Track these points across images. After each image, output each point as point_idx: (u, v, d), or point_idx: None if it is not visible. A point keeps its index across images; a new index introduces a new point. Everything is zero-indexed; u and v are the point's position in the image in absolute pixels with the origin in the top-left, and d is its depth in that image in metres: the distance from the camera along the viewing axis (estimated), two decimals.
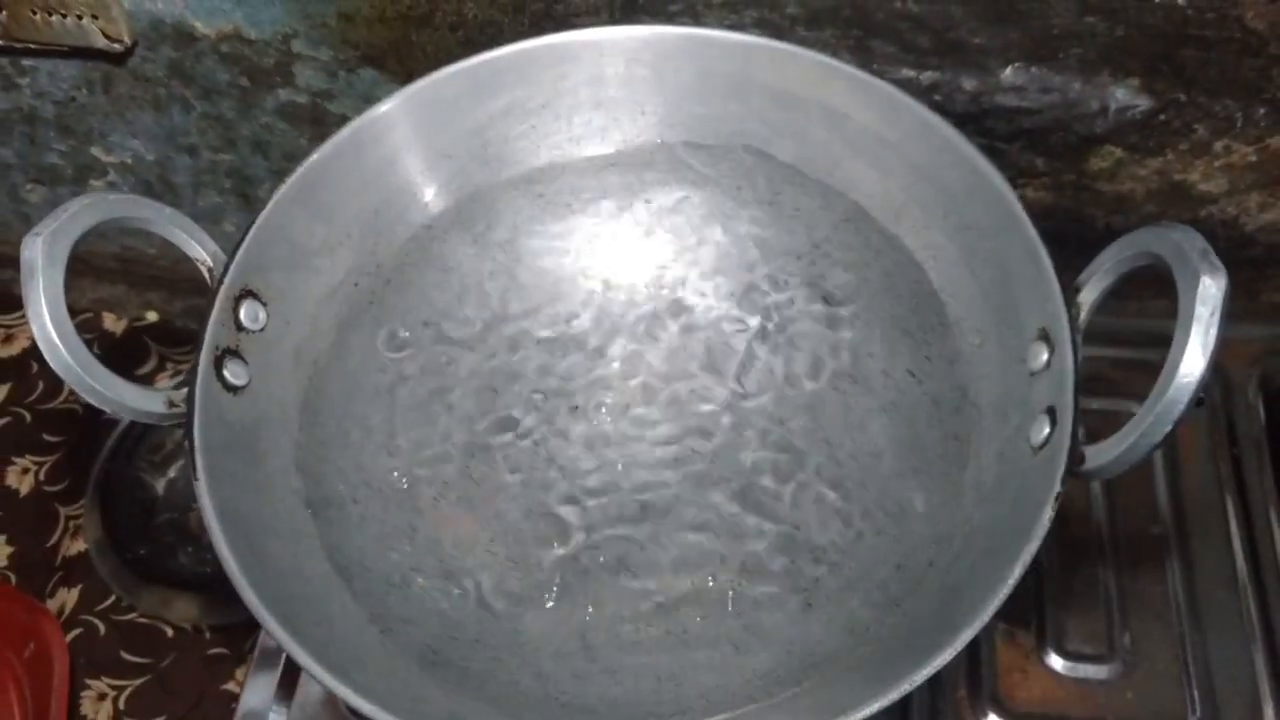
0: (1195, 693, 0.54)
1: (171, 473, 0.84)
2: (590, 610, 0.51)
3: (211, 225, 0.82)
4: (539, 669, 0.48)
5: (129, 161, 0.79)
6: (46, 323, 0.44)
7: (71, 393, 0.91)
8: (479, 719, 0.45)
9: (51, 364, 0.45)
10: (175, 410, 0.47)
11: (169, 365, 0.92)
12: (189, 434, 0.46)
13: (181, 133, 0.75)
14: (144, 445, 0.84)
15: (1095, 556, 0.58)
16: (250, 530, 0.45)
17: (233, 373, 0.49)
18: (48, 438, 0.90)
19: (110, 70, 0.71)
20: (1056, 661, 0.55)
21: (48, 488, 0.88)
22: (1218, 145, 0.61)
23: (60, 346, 0.44)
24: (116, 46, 0.67)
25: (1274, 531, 0.59)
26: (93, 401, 0.46)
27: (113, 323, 0.94)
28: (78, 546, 0.84)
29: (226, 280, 0.49)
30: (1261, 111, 0.59)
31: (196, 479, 0.44)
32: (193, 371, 0.47)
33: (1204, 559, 0.58)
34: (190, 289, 0.93)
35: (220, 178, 0.78)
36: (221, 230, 0.82)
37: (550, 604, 0.51)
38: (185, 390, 0.47)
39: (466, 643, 0.48)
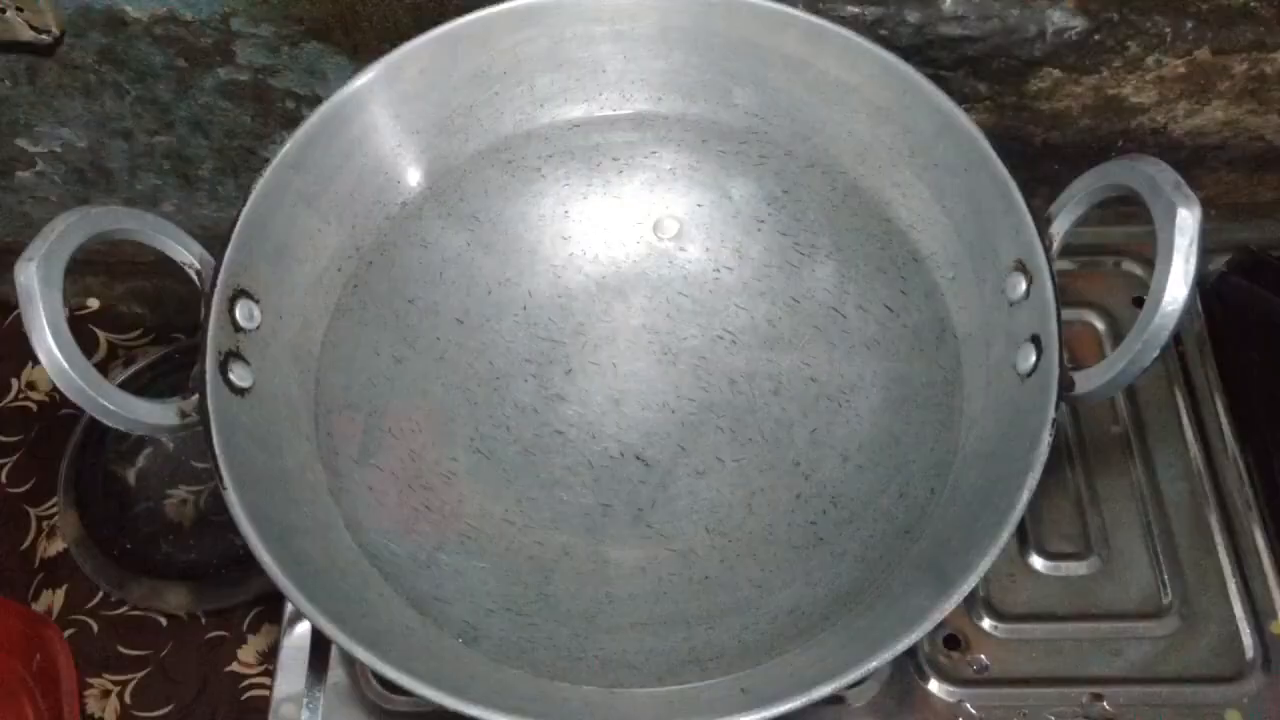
0: (1166, 576, 0.58)
1: (140, 461, 0.83)
2: (611, 565, 0.53)
3: (150, 207, 0.80)
4: (573, 629, 0.50)
5: (58, 150, 0.76)
6: (52, 347, 0.44)
7: (22, 388, 0.89)
8: (526, 686, 0.47)
9: (61, 387, 0.45)
10: (189, 420, 0.47)
11: (120, 352, 0.90)
12: (209, 444, 0.46)
13: (115, 118, 0.73)
14: (109, 437, 0.83)
15: (1064, 460, 0.62)
16: (281, 531, 0.46)
17: (237, 375, 0.49)
18: (3, 438, 0.88)
19: (35, 61, 0.68)
20: (1039, 562, 0.59)
21: (12, 489, 0.86)
22: (1149, 60, 0.63)
23: (68, 369, 0.44)
24: (45, 38, 0.64)
25: (1220, 418, 0.63)
26: (106, 421, 0.46)
27: None
28: (56, 546, 0.83)
29: (219, 282, 0.49)
30: (1189, 25, 0.61)
31: (225, 488, 0.45)
32: (200, 379, 0.47)
33: (1161, 451, 0.62)
34: (129, 271, 0.90)
35: (158, 160, 0.76)
36: (160, 212, 0.80)
37: (571, 564, 0.53)
38: (195, 399, 0.47)
39: (500, 613, 0.50)
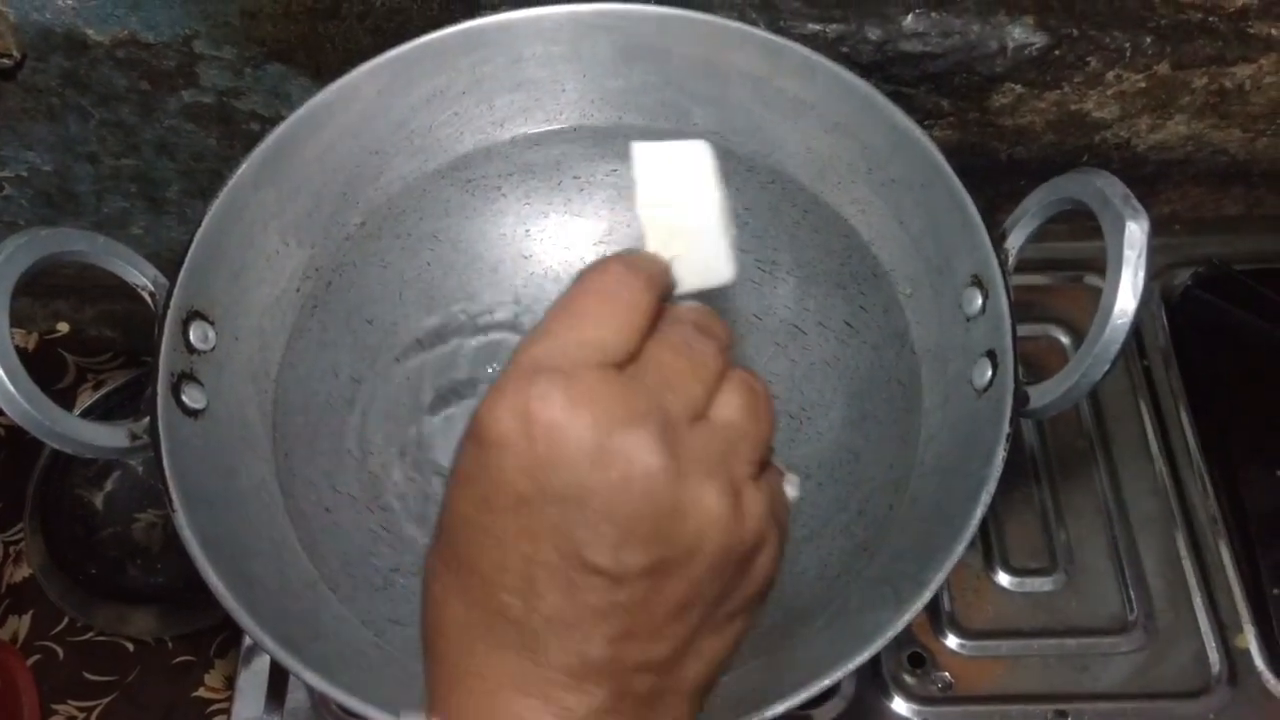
0: (1131, 592, 0.58)
1: (109, 486, 0.82)
2: None
3: (118, 231, 0.80)
4: None
5: (24, 174, 0.76)
6: None
7: None
8: None
9: (8, 412, 0.44)
10: (139, 443, 0.47)
11: (89, 376, 0.90)
12: (158, 466, 0.46)
13: (80, 141, 0.72)
14: (77, 461, 0.82)
15: (1030, 475, 0.62)
16: (234, 554, 0.45)
17: (191, 397, 0.49)
18: None
19: None
20: (1004, 579, 0.59)
21: None
22: (1110, 75, 0.64)
23: (15, 394, 0.44)
24: (6, 62, 0.64)
25: (1185, 431, 0.63)
26: (55, 445, 0.45)
27: (23, 339, 0.91)
28: (22, 572, 0.82)
29: (173, 304, 0.48)
30: (1148, 40, 0.62)
31: (174, 510, 0.45)
32: (151, 401, 0.47)
33: (1127, 465, 0.62)
34: (99, 295, 0.90)
35: (124, 183, 0.76)
36: (129, 235, 0.80)
37: None
38: (146, 421, 0.47)
39: None
